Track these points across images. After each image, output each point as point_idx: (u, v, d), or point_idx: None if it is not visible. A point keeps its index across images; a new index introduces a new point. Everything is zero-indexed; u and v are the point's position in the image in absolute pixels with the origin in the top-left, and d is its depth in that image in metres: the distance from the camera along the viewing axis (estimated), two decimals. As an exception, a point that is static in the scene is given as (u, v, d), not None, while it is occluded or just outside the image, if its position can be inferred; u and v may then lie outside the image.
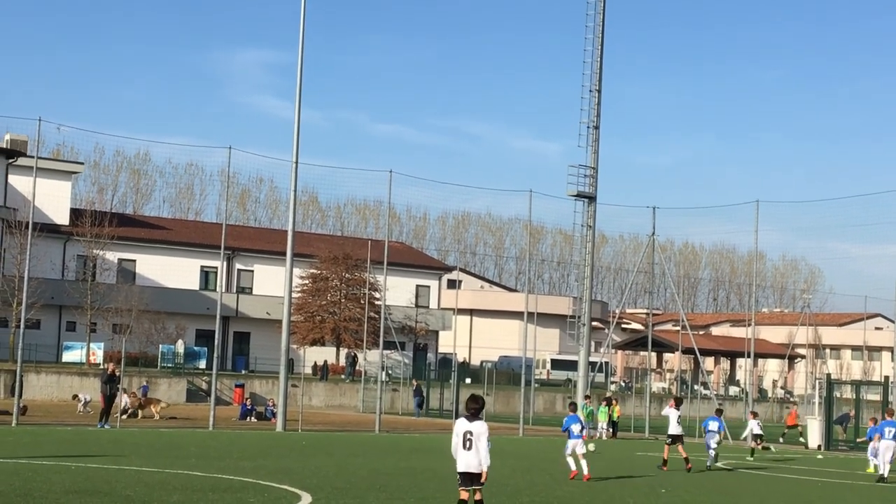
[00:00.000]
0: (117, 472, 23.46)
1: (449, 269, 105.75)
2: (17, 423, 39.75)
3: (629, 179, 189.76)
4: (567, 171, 53.59)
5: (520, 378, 56.34)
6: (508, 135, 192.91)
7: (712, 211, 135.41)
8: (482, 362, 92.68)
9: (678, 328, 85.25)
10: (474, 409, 15.12)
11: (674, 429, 31.45)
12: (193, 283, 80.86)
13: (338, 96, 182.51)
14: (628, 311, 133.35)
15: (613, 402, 53.92)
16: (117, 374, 44.05)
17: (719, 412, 35.89)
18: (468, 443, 14.90)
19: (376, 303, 74.98)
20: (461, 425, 15.03)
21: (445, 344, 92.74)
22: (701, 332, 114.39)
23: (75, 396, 51.10)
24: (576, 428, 26.90)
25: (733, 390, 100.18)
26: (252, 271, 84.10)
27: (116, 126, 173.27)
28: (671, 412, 31.86)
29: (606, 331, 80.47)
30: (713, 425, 33.10)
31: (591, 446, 28.76)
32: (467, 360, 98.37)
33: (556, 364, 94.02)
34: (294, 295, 66.17)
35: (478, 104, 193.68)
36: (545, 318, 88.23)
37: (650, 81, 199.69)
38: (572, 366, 68.90)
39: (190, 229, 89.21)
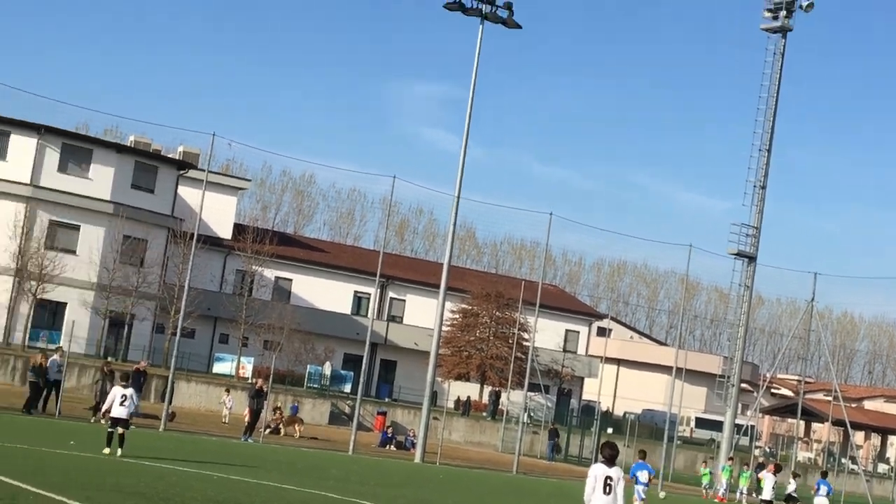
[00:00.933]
0: (257, 486, 23.75)
1: (600, 317, 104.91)
2: (164, 428, 40.64)
3: (791, 242, 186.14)
4: (729, 229, 52.93)
5: (662, 433, 55.53)
6: (672, 187, 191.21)
7: (876, 282, 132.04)
8: (625, 413, 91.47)
9: (829, 398, 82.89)
10: (611, 456, 15.24)
11: (767, 493, 30.94)
12: (346, 307, 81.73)
13: (504, 134, 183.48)
14: (779, 375, 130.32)
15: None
16: (265, 389, 44.76)
17: (825, 474, 35.19)
18: (608, 487, 14.98)
19: (524, 343, 74.70)
20: (600, 470, 15.09)
21: (590, 391, 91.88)
22: (853, 405, 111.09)
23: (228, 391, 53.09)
24: (642, 475, 26.77)
25: (882, 468, 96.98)
26: (404, 300, 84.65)
27: (285, 146, 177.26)
28: (767, 476, 31.30)
29: (755, 394, 78.83)
30: (823, 489, 32.48)
31: (662, 494, 28.35)
32: (610, 410, 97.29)
33: (701, 423, 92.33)
34: (443, 328, 66.45)
35: (644, 154, 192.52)
36: (693, 375, 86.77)
37: (821, 144, 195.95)
38: (717, 426, 67.59)
39: (347, 254, 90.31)
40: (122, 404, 27.60)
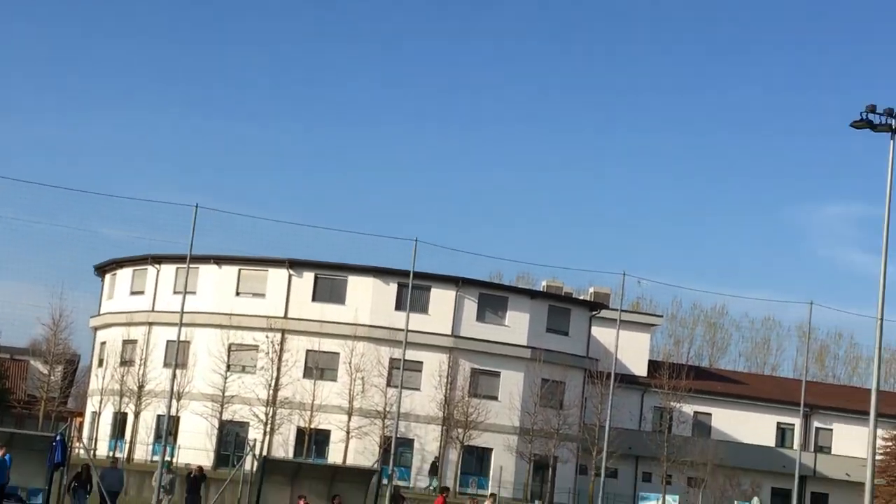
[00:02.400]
0: None
1: None
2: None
3: None
4: None
5: None
6: None
7: None
8: None
9: None
10: None
11: None
12: (769, 439, 79.31)
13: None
14: None
15: None
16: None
17: None
18: None
19: (968, 470, 69.64)
20: None
21: None
22: None
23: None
24: None
25: None
26: (831, 430, 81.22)
27: (693, 279, 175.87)
28: None
29: None
30: None
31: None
32: None
33: None
34: (876, 457, 63.10)
35: None
36: None
37: None
38: None
39: (766, 384, 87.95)
40: None
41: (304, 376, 64.80)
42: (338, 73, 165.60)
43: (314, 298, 66.21)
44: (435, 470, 64.62)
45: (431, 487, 62.59)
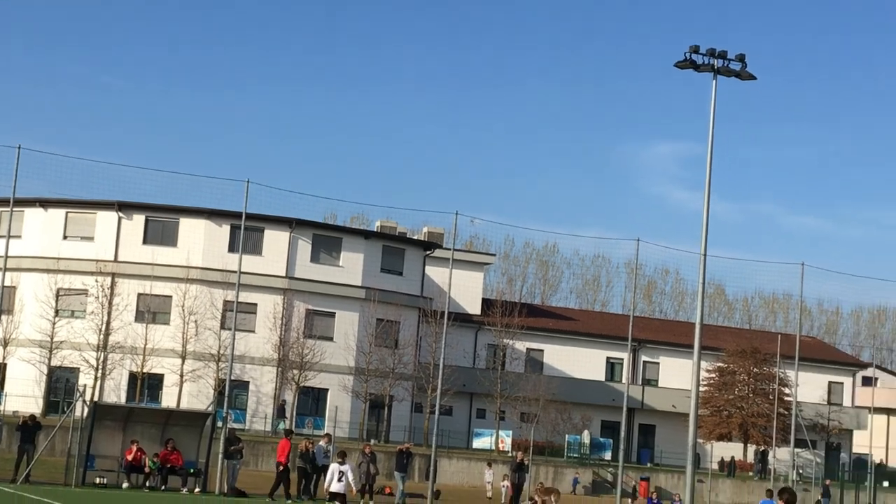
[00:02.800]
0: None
1: (864, 366, 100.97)
2: (430, 506, 41.09)
3: None
4: None
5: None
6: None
7: None
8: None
9: None
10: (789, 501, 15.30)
11: None
12: (599, 373, 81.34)
13: (749, 188, 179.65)
14: None
15: None
16: (526, 462, 44.81)
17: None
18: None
19: (786, 399, 72.58)
20: None
21: (860, 444, 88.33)
22: None
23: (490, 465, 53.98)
24: None
25: None
26: (658, 363, 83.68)
27: (525, 217, 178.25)
28: None
29: None
30: None
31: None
32: (884, 462, 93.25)
33: None
34: (700, 388, 65.27)
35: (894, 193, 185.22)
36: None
37: None
38: None
39: (596, 320, 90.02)
40: (339, 480, 29.72)
41: (136, 320, 63.85)
42: (165, 14, 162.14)
43: (145, 241, 65.16)
44: (283, 412, 64.51)
45: (281, 429, 62.61)
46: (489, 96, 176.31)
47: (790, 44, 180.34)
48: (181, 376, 62.86)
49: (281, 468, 39.34)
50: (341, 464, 30.12)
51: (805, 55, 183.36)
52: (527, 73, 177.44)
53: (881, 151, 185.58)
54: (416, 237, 76.73)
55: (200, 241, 65.15)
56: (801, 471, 69.85)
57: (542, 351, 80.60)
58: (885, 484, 72.52)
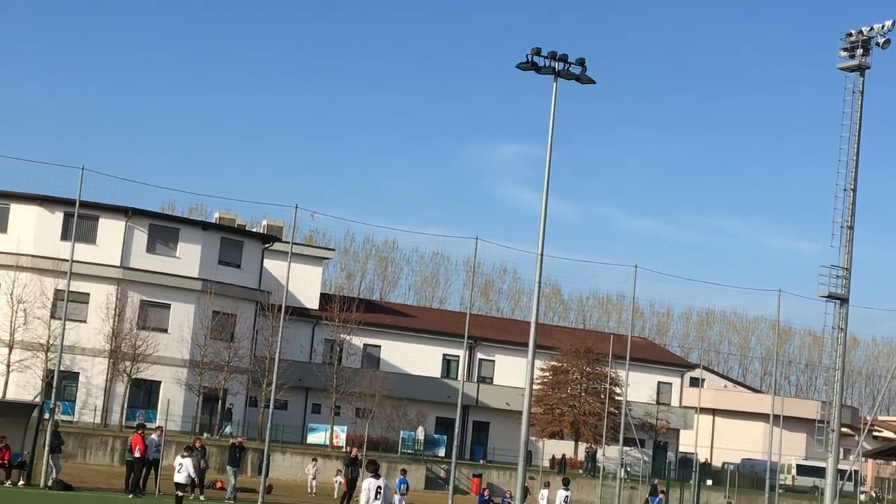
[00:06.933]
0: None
1: (691, 367, 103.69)
2: (262, 501, 40.81)
3: (884, 281, 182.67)
4: (818, 272, 52.17)
5: (763, 482, 54.62)
6: (763, 233, 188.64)
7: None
8: (724, 464, 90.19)
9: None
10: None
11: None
12: (435, 370, 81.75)
13: (590, 190, 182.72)
14: (880, 418, 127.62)
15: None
16: (359, 457, 44.84)
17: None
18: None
19: (617, 398, 74.10)
20: None
21: (686, 443, 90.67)
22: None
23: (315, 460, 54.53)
24: None
25: None
26: (493, 361, 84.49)
27: (367, 213, 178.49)
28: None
29: (857, 437, 77.29)
30: None
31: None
32: (709, 461, 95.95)
33: (803, 470, 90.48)
34: (534, 387, 66.18)
35: (734, 202, 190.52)
36: (791, 422, 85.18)
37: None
38: (819, 472, 66.26)
39: (434, 317, 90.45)
40: (179, 472, 34.40)
41: (-39, 308, 61.86)
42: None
43: (-28, 226, 63.22)
44: (230, 415, 64.87)
45: (227, 432, 62.06)
46: (338, 95, 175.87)
47: (639, 53, 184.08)
48: (8, 366, 61.21)
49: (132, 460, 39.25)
50: (184, 457, 33.99)
51: (655, 65, 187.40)
52: (378, 73, 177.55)
53: (720, 161, 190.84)
54: (255, 230, 76.00)
55: (32, 228, 63.54)
56: (629, 469, 71.33)
57: (379, 347, 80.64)
58: (709, 482, 74.59)
